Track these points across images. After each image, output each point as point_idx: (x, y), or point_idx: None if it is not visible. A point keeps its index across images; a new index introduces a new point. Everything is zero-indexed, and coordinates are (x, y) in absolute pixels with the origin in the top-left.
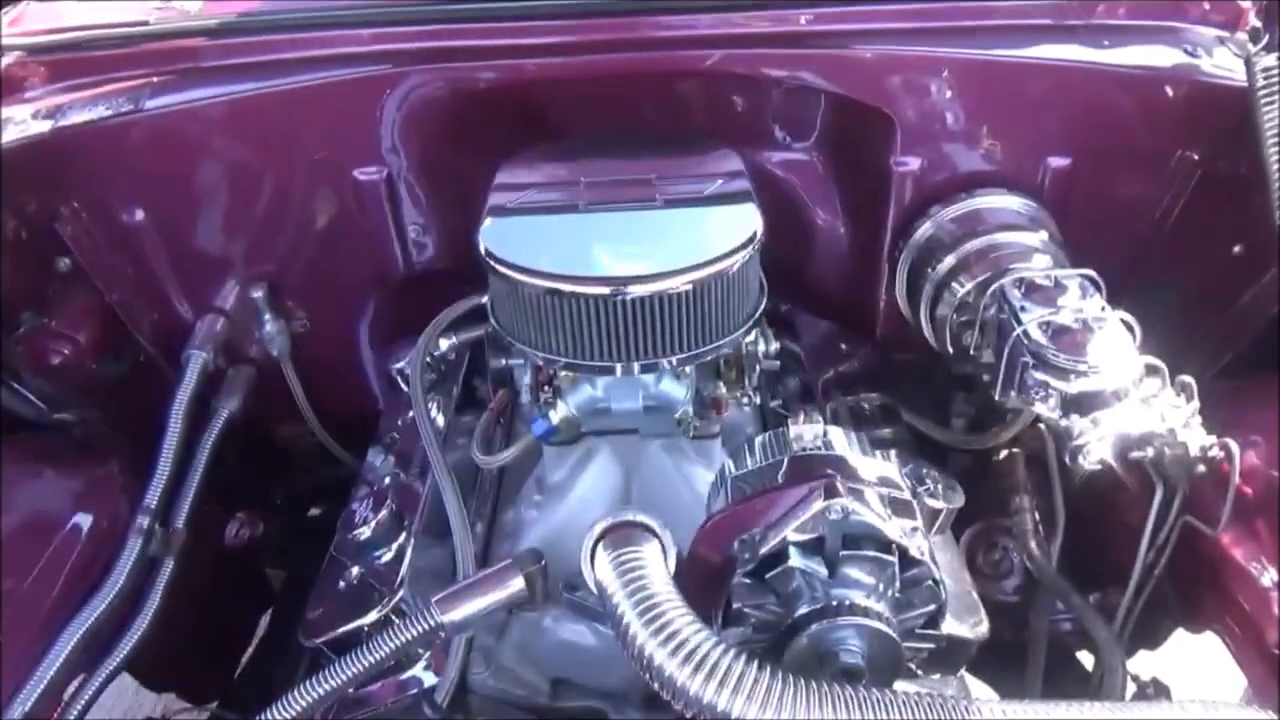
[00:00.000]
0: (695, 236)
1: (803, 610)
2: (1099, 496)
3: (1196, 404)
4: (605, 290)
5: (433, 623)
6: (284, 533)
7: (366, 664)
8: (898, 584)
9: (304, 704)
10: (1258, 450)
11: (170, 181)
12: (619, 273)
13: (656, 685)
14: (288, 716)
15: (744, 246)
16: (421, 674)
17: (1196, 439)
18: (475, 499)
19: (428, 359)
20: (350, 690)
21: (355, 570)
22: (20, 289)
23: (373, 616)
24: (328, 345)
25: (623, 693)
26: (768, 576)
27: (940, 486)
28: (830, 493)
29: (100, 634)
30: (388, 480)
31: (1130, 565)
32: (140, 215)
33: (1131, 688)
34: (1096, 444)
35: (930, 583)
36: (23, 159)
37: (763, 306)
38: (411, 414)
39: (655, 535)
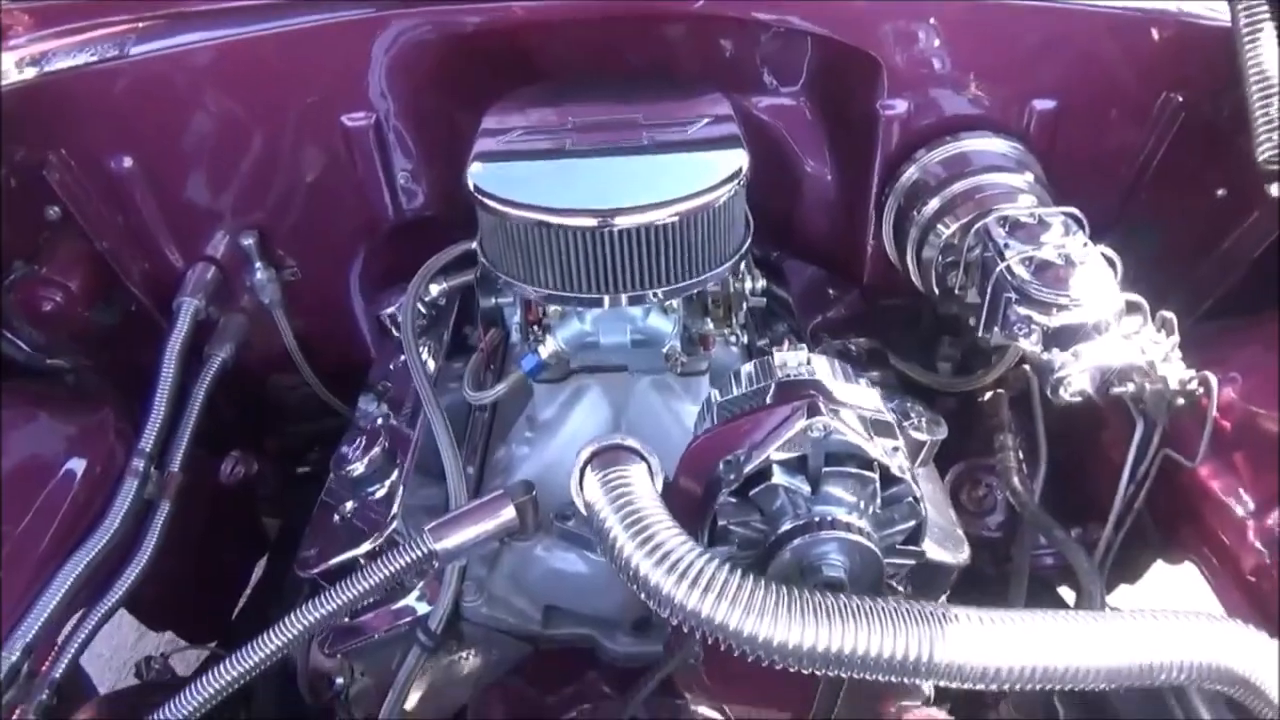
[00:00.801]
0: (682, 174)
1: (786, 526)
2: (1081, 434)
3: (1176, 339)
4: (592, 222)
5: (426, 550)
6: (278, 481)
7: (362, 589)
8: (879, 500)
9: (300, 627)
10: (1235, 386)
11: (158, 128)
12: (606, 206)
13: (644, 595)
14: (286, 639)
15: (730, 180)
16: (415, 604)
17: (1176, 373)
18: (467, 440)
19: (418, 304)
20: (345, 618)
21: (349, 505)
22: (11, 237)
23: (366, 547)
24: (318, 294)
25: (612, 619)
26: (752, 494)
27: (924, 420)
28: (812, 411)
29: (98, 573)
30: (379, 422)
31: (1111, 500)
32: (128, 163)
33: None
34: (1077, 376)
35: (910, 500)
36: (9, 106)
37: (748, 244)
38: (402, 358)
39: (643, 458)
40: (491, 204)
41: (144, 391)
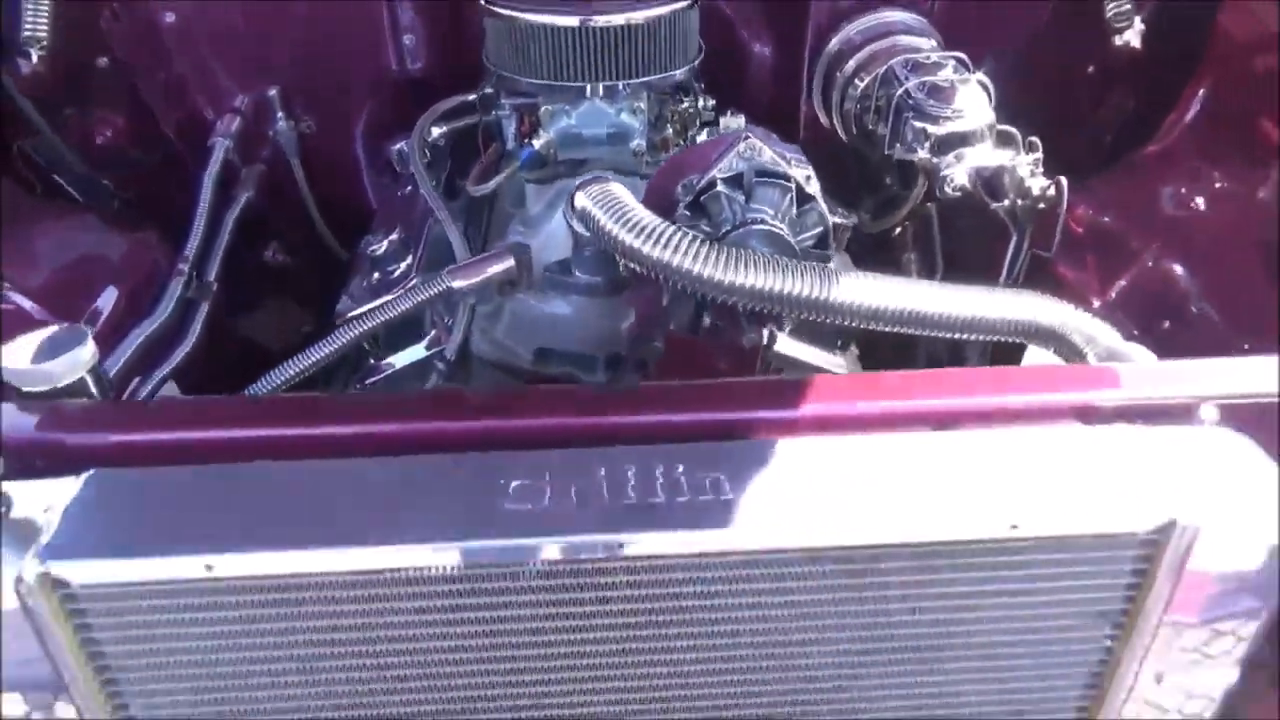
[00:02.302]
0: None
1: (727, 227)
2: (967, 250)
3: (1039, 155)
4: (575, 21)
5: (445, 286)
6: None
7: (394, 313)
8: (794, 209)
9: (333, 348)
10: (1088, 204)
11: None
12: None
13: (625, 258)
14: (319, 357)
15: None
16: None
17: (1037, 183)
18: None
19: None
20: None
21: (375, 274)
22: (69, 81)
23: (394, 295)
24: (330, 147)
25: (591, 356)
26: (701, 201)
27: (838, 209)
28: (746, 139)
29: (150, 354)
30: (388, 238)
31: None
32: (171, 18)
33: None
34: (959, 174)
35: (818, 212)
36: None
37: (700, 57)
38: (402, 193)
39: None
40: (498, 9)
41: (178, 225)
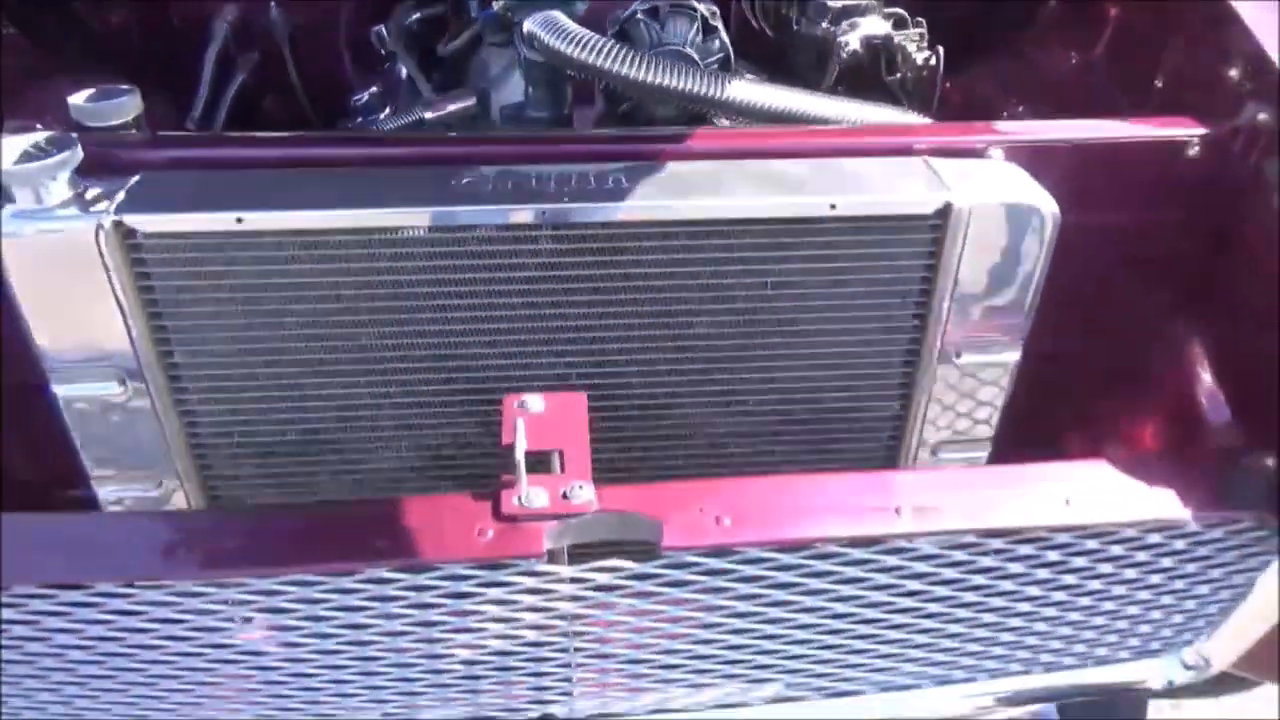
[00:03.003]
0: None
1: (644, 48)
2: None
3: (924, 30)
4: None
5: (416, 117)
6: None
7: None
8: (700, 37)
9: None
10: (967, 75)
11: None
12: None
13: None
14: None
15: None
16: None
17: (921, 55)
18: None
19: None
20: None
21: (358, 119)
22: None
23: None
24: (317, 40)
25: None
26: (624, 28)
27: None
28: None
29: None
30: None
31: None
32: None
33: None
34: (853, 40)
35: (720, 40)
36: None
37: None
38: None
39: None
40: None
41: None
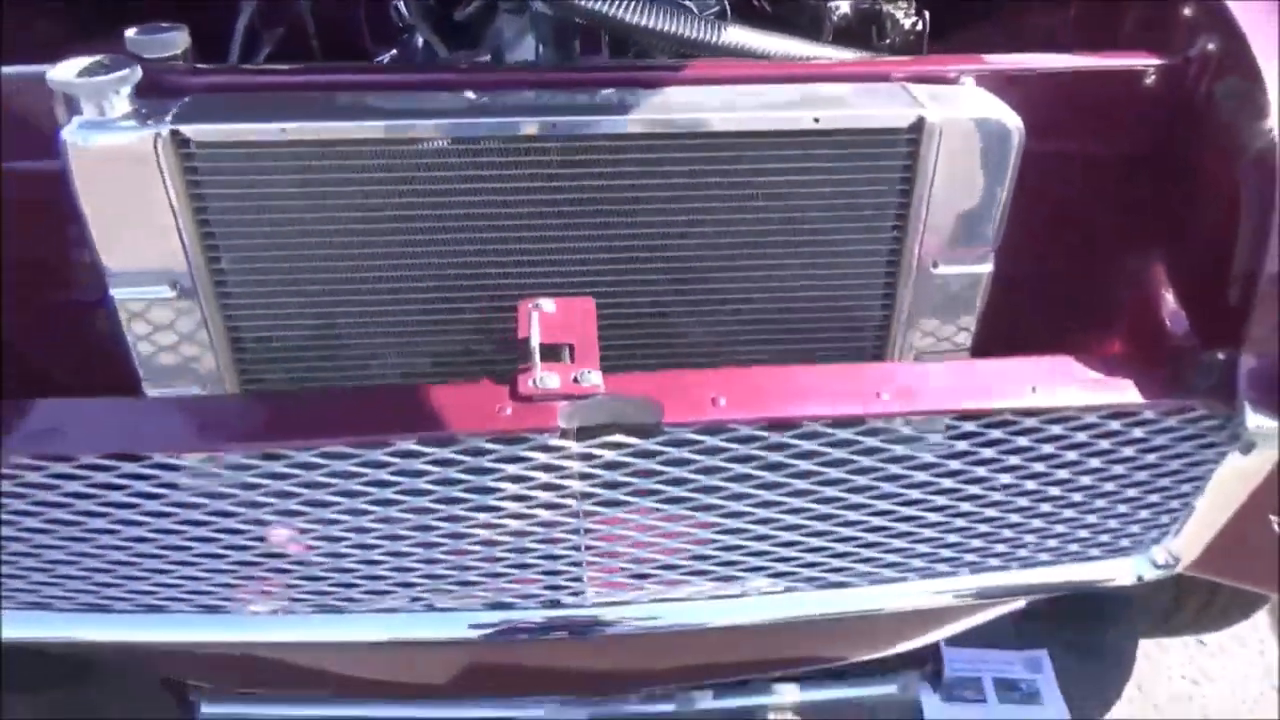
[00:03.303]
0: None
1: None
2: None
3: None
4: None
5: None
6: None
7: None
8: None
9: None
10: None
11: None
12: None
13: (577, 18)
14: None
15: None
16: None
17: (909, 20)
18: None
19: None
20: None
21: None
22: None
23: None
24: (337, 16)
25: None
26: None
27: None
28: None
29: None
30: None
31: None
32: None
33: None
34: (844, 4)
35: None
36: None
37: None
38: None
39: None
40: None
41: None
